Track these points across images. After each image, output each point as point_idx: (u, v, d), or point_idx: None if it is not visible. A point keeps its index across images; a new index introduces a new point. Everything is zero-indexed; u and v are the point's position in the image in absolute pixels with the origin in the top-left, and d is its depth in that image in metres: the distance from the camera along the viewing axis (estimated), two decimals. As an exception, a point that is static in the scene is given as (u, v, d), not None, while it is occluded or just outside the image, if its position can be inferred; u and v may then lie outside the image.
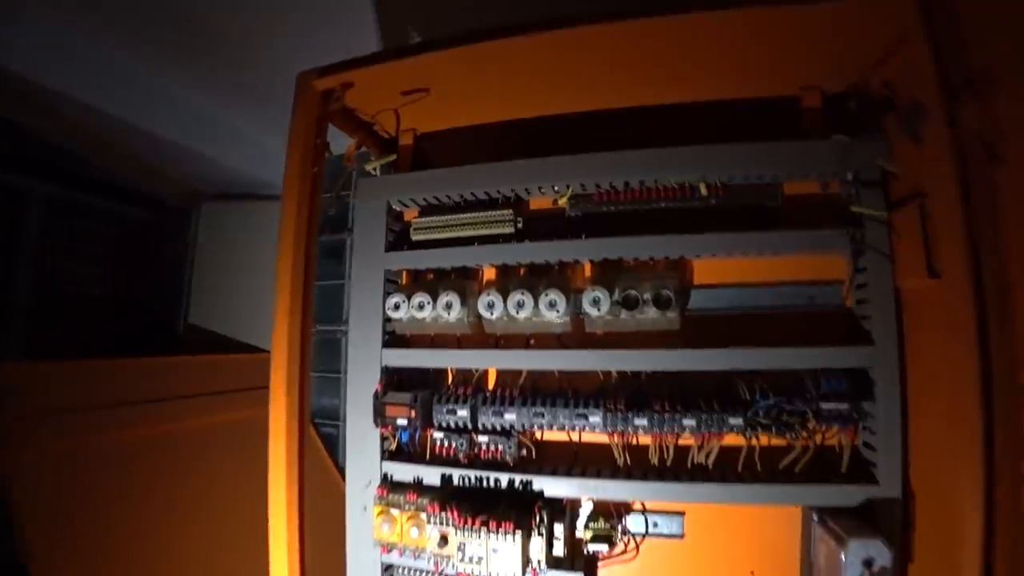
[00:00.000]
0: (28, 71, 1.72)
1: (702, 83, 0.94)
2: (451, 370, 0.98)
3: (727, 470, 0.84)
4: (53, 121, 1.99)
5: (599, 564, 0.90)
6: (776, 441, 0.84)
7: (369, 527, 0.89)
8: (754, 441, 0.82)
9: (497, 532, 0.79)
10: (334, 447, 1.85)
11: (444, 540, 0.82)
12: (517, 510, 0.82)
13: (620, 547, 0.90)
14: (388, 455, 0.93)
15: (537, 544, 0.81)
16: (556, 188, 0.90)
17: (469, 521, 0.80)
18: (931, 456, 0.75)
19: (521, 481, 0.86)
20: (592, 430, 0.83)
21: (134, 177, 2.33)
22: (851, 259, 0.84)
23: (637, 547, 0.90)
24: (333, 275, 1.91)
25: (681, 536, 0.90)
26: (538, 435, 0.94)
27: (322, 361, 1.98)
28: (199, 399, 1.72)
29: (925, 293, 0.76)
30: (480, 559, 0.79)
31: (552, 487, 0.85)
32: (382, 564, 0.93)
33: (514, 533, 0.78)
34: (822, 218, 0.86)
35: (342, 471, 2.02)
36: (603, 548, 0.85)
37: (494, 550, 0.78)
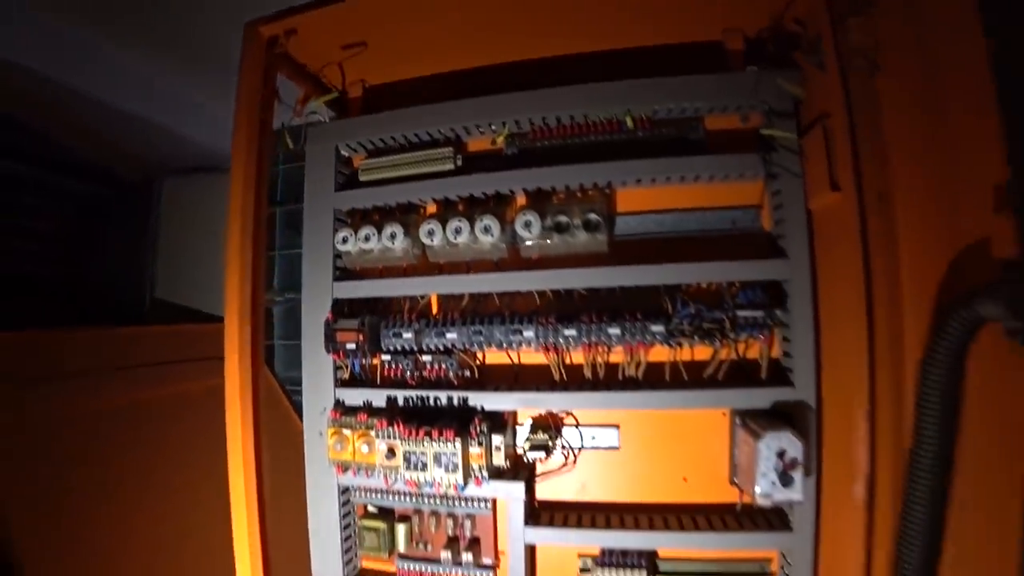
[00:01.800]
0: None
1: (631, 27, 1.02)
2: (400, 302, 1.06)
3: (656, 381, 0.93)
4: (6, 96, 2.02)
5: (539, 478, 0.99)
6: (701, 355, 0.93)
7: (324, 450, 0.97)
8: (678, 352, 0.91)
9: (439, 440, 0.87)
10: (304, 413, 1.91)
11: (391, 452, 0.90)
12: (459, 422, 0.90)
13: (560, 460, 0.98)
14: (341, 383, 1.01)
15: (477, 454, 0.89)
16: (493, 127, 0.98)
17: (413, 432, 0.88)
18: (839, 361, 0.84)
19: (462, 398, 0.94)
20: (527, 345, 0.91)
21: (92, 153, 2.36)
22: (766, 182, 0.93)
23: (575, 459, 0.99)
24: (297, 245, 1.96)
25: (617, 448, 0.99)
26: (480, 359, 1.02)
27: (289, 330, 2.04)
28: (166, 367, 1.78)
29: (830, 210, 0.85)
30: (424, 466, 0.87)
31: (492, 401, 0.93)
32: (339, 487, 1.01)
33: (454, 441, 0.87)
34: (741, 149, 0.95)
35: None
36: (540, 455, 0.93)
37: (436, 456, 0.87)
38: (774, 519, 0.92)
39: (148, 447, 1.66)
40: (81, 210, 2.28)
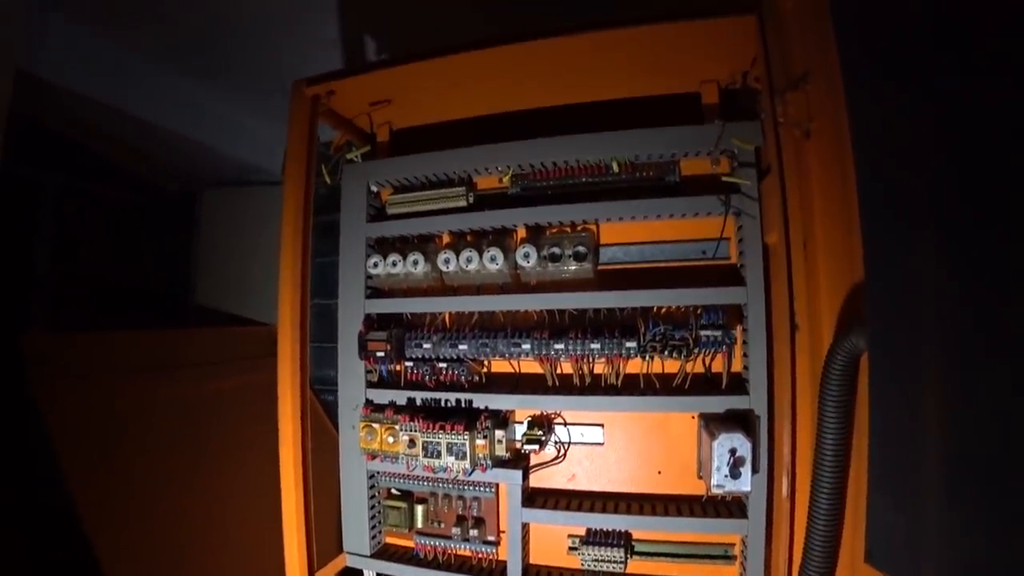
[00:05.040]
0: (44, 71, 2.08)
1: (620, 83, 1.27)
2: (421, 317, 1.33)
3: (633, 388, 1.18)
4: (65, 116, 2.37)
5: (536, 469, 1.25)
6: (671, 367, 1.17)
7: (356, 440, 1.25)
8: (650, 364, 1.16)
9: (451, 433, 1.14)
10: (333, 413, 2.21)
11: (412, 443, 1.17)
12: (468, 419, 1.17)
13: (553, 454, 1.24)
14: (370, 384, 1.29)
15: (482, 444, 1.15)
16: (500, 168, 1.24)
17: (431, 426, 1.15)
18: (780, 375, 1.08)
19: (471, 399, 1.21)
20: (525, 356, 1.17)
21: (140, 168, 2.73)
22: (725, 219, 1.16)
23: (565, 453, 1.24)
24: (326, 253, 2.26)
25: (601, 444, 1.24)
26: (487, 366, 1.28)
27: (321, 333, 2.34)
28: (209, 366, 2.10)
29: (776, 247, 1.08)
30: (439, 454, 1.14)
31: (496, 402, 1.20)
32: (367, 472, 1.29)
33: (463, 433, 1.13)
34: (713, 190, 1.18)
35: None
36: (535, 448, 1.19)
37: (449, 446, 1.14)
38: (735, 509, 1.16)
39: (196, 437, 1.97)
40: (130, 221, 2.64)
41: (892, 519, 0.78)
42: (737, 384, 1.15)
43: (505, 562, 1.22)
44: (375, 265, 1.27)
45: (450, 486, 1.27)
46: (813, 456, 0.89)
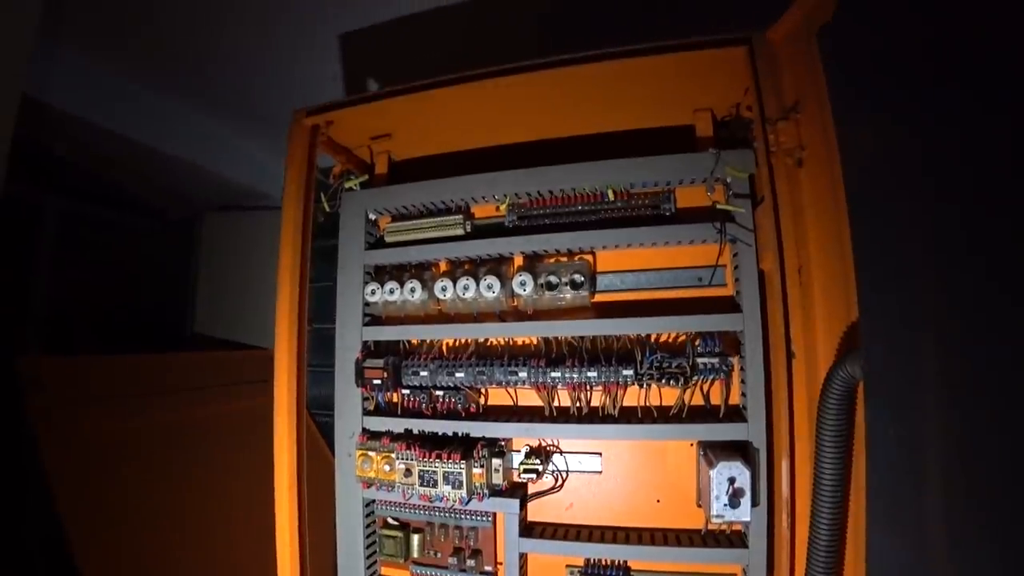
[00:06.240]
0: (48, 96, 2.11)
1: (615, 114, 1.28)
2: (418, 344, 1.33)
3: (631, 416, 1.17)
4: (69, 141, 2.40)
5: (533, 499, 1.24)
6: (670, 396, 1.17)
7: (353, 468, 1.24)
8: (648, 392, 1.15)
9: (447, 462, 1.13)
10: (329, 435, 2.19)
11: (409, 471, 1.16)
12: (465, 448, 1.16)
13: (550, 483, 1.23)
14: (367, 412, 1.28)
15: (479, 473, 1.14)
16: (496, 197, 1.25)
17: (427, 455, 1.14)
18: (777, 404, 1.07)
19: (467, 430, 1.20)
20: (521, 384, 1.16)
21: (141, 191, 2.75)
22: (721, 247, 1.16)
23: (563, 482, 1.23)
24: (323, 278, 2.27)
25: (599, 472, 1.23)
26: (484, 395, 1.28)
27: (317, 356, 2.34)
28: (207, 390, 2.09)
29: (771, 274, 1.08)
30: (435, 483, 1.13)
31: (493, 431, 1.19)
32: (363, 500, 1.27)
33: (460, 462, 1.12)
34: (708, 217, 1.18)
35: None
36: (532, 477, 1.18)
37: (445, 475, 1.13)
38: (735, 539, 1.14)
39: (193, 461, 1.96)
40: (130, 244, 2.66)
41: (893, 553, 0.77)
42: (735, 412, 1.15)
43: (503, 593, 1.20)
44: (372, 293, 1.27)
45: (447, 515, 1.25)
46: (812, 487, 0.88)
